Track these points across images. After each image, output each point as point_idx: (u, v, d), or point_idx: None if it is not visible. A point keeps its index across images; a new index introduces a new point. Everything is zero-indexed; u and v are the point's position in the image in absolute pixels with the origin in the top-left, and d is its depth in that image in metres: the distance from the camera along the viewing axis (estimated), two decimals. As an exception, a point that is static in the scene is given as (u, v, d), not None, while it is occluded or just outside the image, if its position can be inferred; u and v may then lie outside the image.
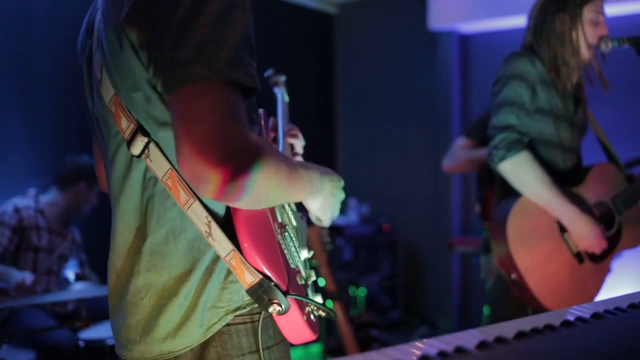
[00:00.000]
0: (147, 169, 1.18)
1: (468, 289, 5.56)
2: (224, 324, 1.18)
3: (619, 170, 2.47)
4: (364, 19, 6.09)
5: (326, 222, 1.40)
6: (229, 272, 1.19)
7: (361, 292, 4.98)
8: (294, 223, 1.37)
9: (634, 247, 2.41)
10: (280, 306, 1.13)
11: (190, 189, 1.12)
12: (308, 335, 1.20)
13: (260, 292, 1.12)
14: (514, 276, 2.13)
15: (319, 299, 1.26)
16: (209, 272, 1.18)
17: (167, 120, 1.13)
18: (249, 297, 1.18)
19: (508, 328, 0.90)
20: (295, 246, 1.30)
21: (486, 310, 3.91)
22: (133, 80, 1.12)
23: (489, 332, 0.87)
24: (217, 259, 1.18)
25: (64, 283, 3.31)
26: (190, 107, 1.00)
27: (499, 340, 0.83)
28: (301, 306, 1.19)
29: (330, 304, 2.93)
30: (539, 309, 2.13)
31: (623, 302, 1.04)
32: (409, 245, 5.73)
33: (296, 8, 5.88)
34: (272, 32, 5.59)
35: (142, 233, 1.20)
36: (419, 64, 5.75)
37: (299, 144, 1.70)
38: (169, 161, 1.14)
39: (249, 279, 1.12)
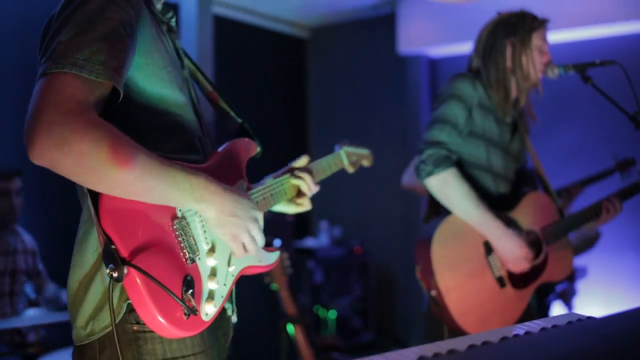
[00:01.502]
0: None
1: (439, 310, 5.58)
2: (124, 312, 1.28)
3: (552, 201, 2.48)
4: (336, 43, 6.17)
5: (236, 252, 1.40)
6: None
7: (332, 314, 4.99)
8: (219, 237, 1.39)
9: (559, 279, 2.42)
10: (115, 271, 1.17)
11: None
12: (161, 325, 1.22)
13: (105, 256, 1.19)
14: (433, 293, 2.13)
15: (210, 307, 1.31)
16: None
17: None
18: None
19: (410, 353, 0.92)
20: (198, 246, 1.34)
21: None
22: None
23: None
24: None
25: (25, 302, 3.15)
26: (37, 95, 1.15)
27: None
28: (151, 289, 1.22)
29: (291, 327, 2.94)
30: (455, 329, 2.13)
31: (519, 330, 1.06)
32: (381, 267, 5.75)
33: (269, 33, 5.95)
34: (246, 56, 5.65)
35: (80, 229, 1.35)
36: (389, 87, 5.83)
37: (304, 185, 1.72)
38: None
39: (100, 241, 1.22)
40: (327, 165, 1.92)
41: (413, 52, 5.51)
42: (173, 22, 1.53)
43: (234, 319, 1.55)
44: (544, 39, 2.34)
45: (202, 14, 4.11)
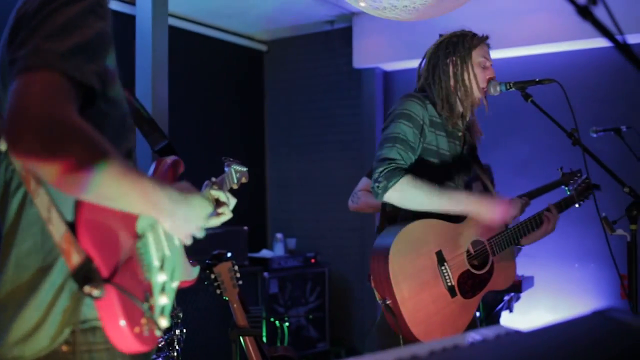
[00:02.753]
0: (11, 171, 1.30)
1: (394, 320, 5.65)
2: (67, 335, 1.25)
3: None
4: (292, 55, 6.23)
5: (186, 241, 1.47)
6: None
7: (286, 324, 5.01)
8: (166, 252, 1.42)
9: (503, 288, 2.49)
10: (96, 289, 1.16)
11: (37, 179, 1.22)
12: (130, 340, 1.23)
13: (82, 274, 1.17)
14: (389, 302, 2.15)
15: (163, 322, 1.32)
16: (62, 285, 1.25)
17: None
18: (91, 314, 1.25)
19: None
20: (152, 263, 1.36)
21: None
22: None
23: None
24: (68, 276, 1.24)
25: None
26: (23, 90, 1.13)
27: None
28: (130, 310, 1.23)
29: (241, 339, 2.96)
30: (409, 338, 2.16)
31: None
32: (336, 277, 5.80)
33: (226, 44, 5.97)
34: (202, 67, 5.66)
35: (9, 246, 1.29)
36: (344, 100, 5.90)
37: (222, 195, 1.71)
38: None
39: (75, 259, 1.18)
40: (227, 183, 1.97)
41: (368, 66, 5.60)
42: None
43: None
44: (486, 56, 2.43)
45: (158, 25, 4.10)
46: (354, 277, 5.82)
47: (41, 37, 1.18)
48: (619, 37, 1.06)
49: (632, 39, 4.06)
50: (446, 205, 2.24)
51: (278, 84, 6.36)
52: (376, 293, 2.23)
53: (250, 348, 2.98)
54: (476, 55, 2.41)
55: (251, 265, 5.13)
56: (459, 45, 2.40)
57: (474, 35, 2.44)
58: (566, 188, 3.25)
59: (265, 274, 5.14)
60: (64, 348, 1.26)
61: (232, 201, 1.68)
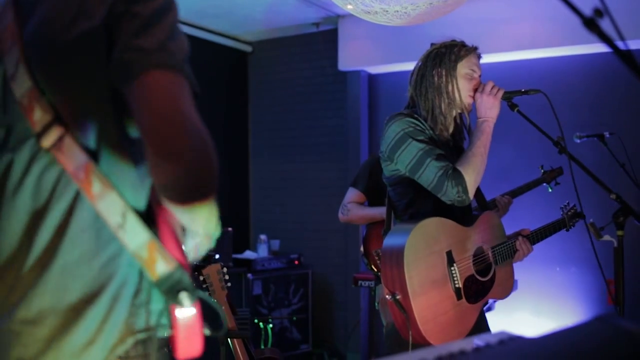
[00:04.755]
0: (75, 190, 1.16)
1: (376, 321, 5.67)
2: (125, 348, 1.19)
3: (500, 222, 2.59)
4: (277, 57, 6.23)
5: (190, 257, 1.39)
6: (135, 296, 1.21)
7: (270, 326, 5.01)
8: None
9: (502, 298, 2.52)
10: (190, 297, 1.12)
11: (108, 181, 1.13)
12: (198, 344, 1.18)
13: (171, 282, 1.12)
14: (399, 296, 2.16)
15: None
16: (117, 295, 1.19)
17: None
18: (151, 323, 1.20)
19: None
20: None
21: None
22: (78, 72, 1.16)
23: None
24: (125, 282, 1.19)
25: None
26: (170, 90, 1.08)
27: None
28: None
29: (229, 341, 2.96)
30: (416, 336, 2.16)
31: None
32: (319, 279, 5.81)
33: (210, 44, 5.95)
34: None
35: (50, 254, 1.16)
36: (329, 102, 5.92)
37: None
38: (86, 152, 1.14)
39: (162, 268, 1.12)
40: None
41: (353, 69, 5.62)
42: None
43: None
44: (473, 67, 2.45)
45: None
46: (337, 279, 5.83)
47: (165, 32, 1.12)
48: (622, 48, 1.08)
49: (634, 44, 4.14)
50: (487, 144, 2.41)
51: (262, 85, 6.35)
52: (384, 289, 2.22)
53: (239, 350, 2.97)
54: (462, 67, 2.43)
55: (235, 266, 5.12)
56: (445, 57, 2.43)
57: (463, 46, 2.46)
58: (547, 185, 3.30)
59: (249, 275, 5.14)
60: None
61: None
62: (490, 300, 4.05)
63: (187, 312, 1.14)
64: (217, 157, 1.11)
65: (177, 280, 1.12)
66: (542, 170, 3.26)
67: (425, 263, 2.22)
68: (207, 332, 1.21)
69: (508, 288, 2.53)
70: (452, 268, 2.29)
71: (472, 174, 2.31)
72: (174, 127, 1.05)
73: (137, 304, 1.21)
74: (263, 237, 5.71)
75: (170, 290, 1.12)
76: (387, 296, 2.19)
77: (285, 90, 6.18)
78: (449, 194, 2.28)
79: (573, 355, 1.04)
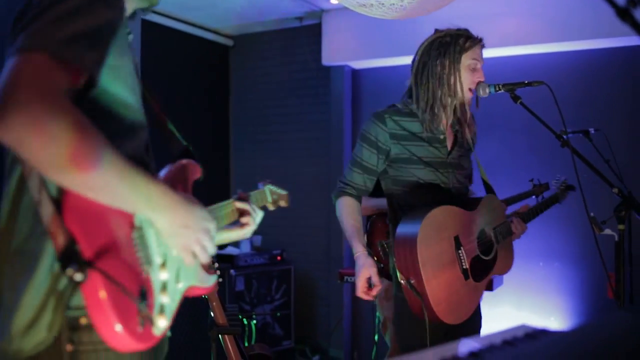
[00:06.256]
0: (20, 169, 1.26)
1: (359, 318, 5.67)
2: (60, 324, 1.20)
3: (501, 204, 2.70)
4: (259, 51, 6.17)
5: (186, 259, 1.40)
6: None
7: (253, 322, 4.97)
8: (173, 252, 1.37)
9: (504, 273, 2.66)
10: (77, 272, 1.12)
11: None
12: (118, 334, 1.17)
13: (65, 256, 1.13)
14: (413, 281, 2.23)
15: (162, 321, 1.27)
16: (57, 273, 1.20)
17: None
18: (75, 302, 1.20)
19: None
20: (152, 258, 1.30)
21: (377, 338, 4.01)
22: None
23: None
24: None
25: None
26: (14, 68, 1.09)
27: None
28: (113, 295, 1.17)
29: (220, 338, 2.92)
30: (430, 316, 2.25)
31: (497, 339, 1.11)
32: (302, 275, 5.78)
33: (192, 38, 5.87)
34: (167, 60, 5.55)
35: (8, 229, 1.25)
36: (312, 97, 5.88)
37: (247, 206, 1.76)
38: None
39: (60, 241, 1.14)
40: (255, 199, 2.00)
41: (337, 64, 5.59)
42: (131, 37, 1.51)
43: (169, 333, 1.54)
44: (477, 59, 2.44)
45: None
46: (320, 275, 5.81)
47: (44, 22, 1.14)
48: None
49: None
50: (349, 242, 2.49)
51: (244, 80, 6.29)
52: (399, 274, 2.29)
53: (230, 347, 2.94)
54: (466, 58, 2.43)
55: (217, 262, 5.06)
56: (450, 47, 2.42)
57: (468, 37, 2.45)
58: (535, 198, 3.38)
59: (232, 271, 5.10)
60: (68, 348, 1.21)
61: (259, 213, 1.75)
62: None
63: (88, 290, 1.15)
64: (79, 127, 1.11)
65: (69, 254, 1.13)
66: (532, 184, 3.35)
67: (435, 250, 2.30)
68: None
69: (508, 263, 2.68)
70: (460, 251, 2.38)
71: (338, 216, 2.54)
72: (2, 102, 1.06)
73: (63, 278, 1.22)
74: (245, 232, 5.65)
75: (63, 264, 1.13)
76: (401, 281, 2.27)
77: (267, 85, 6.13)
78: (332, 195, 2.61)
79: (606, 348, 1.03)
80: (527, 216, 2.85)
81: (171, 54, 5.62)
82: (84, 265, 1.13)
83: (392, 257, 2.45)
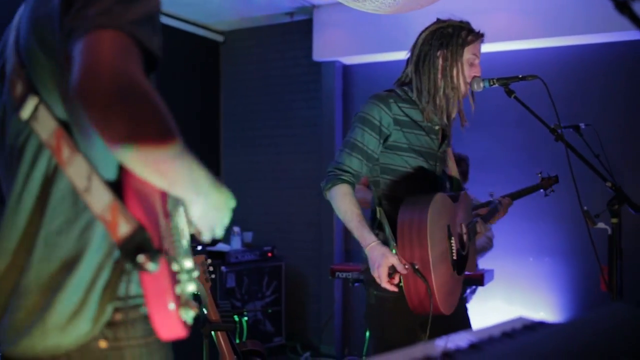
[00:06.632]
0: (48, 158, 1.19)
1: (350, 314, 5.68)
2: (107, 318, 1.17)
3: (471, 202, 2.70)
4: (250, 47, 6.16)
5: (205, 236, 1.36)
6: (117, 263, 1.18)
7: (244, 318, 4.96)
8: (185, 240, 1.32)
9: (472, 272, 2.64)
10: (150, 261, 1.06)
11: (75, 145, 1.13)
12: (175, 322, 1.13)
13: (133, 245, 1.07)
14: (417, 266, 2.18)
15: (193, 310, 1.20)
16: (102, 263, 1.17)
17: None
18: (134, 290, 1.18)
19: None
20: (181, 246, 1.25)
21: (368, 334, 4.01)
22: (43, 42, 1.19)
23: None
24: (110, 250, 1.17)
25: None
26: (95, 46, 1.05)
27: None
28: (173, 286, 1.13)
29: (214, 334, 2.91)
30: (428, 306, 2.20)
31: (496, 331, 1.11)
32: (293, 272, 5.78)
33: (182, 33, 5.85)
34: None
35: (35, 224, 1.19)
36: (303, 93, 5.87)
37: None
38: (57, 120, 1.16)
39: (124, 229, 1.08)
40: None
41: (328, 59, 5.58)
42: None
43: None
44: (476, 53, 2.42)
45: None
46: (310, 271, 5.81)
47: (111, 1, 1.09)
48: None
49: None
50: (351, 229, 2.34)
51: (234, 75, 6.27)
52: (401, 259, 2.22)
53: (223, 343, 2.93)
54: (467, 52, 2.39)
55: (209, 258, 5.04)
56: (453, 39, 2.38)
57: (470, 30, 2.42)
58: (544, 191, 3.37)
59: (223, 268, 5.08)
60: (102, 344, 1.17)
61: None
62: (469, 290, 4.12)
63: (152, 279, 1.10)
64: (167, 114, 1.08)
65: (139, 242, 1.07)
66: (540, 177, 3.34)
67: (437, 236, 2.27)
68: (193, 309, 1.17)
69: (475, 263, 2.70)
70: (451, 241, 2.36)
71: (333, 202, 2.35)
72: (95, 76, 1.02)
73: (119, 273, 1.19)
74: (236, 229, 5.64)
75: (131, 253, 1.07)
76: (405, 266, 2.20)
77: (258, 80, 6.11)
78: (322, 185, 2.39)
79: (609, 339, 1.04)
80: (513, 197, 2.90)
81: (162, 50, 5.59)
82: (155, 253, 1.07)
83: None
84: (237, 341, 4.69)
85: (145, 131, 1.05)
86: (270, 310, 5.39)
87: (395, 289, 2.24)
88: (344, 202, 2.32)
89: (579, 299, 4.71)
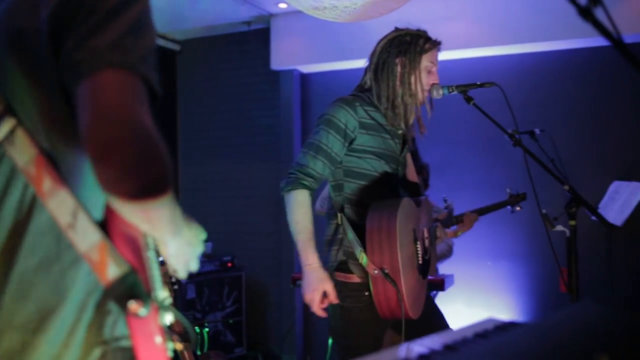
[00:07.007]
0: (23, 186, 1.10)
1: (311, 322, 5.67)
2: (96, 358, 1.11)
3: (432, 207, 2.76)
4: (208, 56, 6.12)
5: (181, 273, 1.34)
6: (100, 303, 1.13)
7: (205, 330, 4.91)
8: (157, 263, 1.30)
9: (433, 276, 2.73)
10: (143, 306, 1.03)
11: (59, 177, 1.06)
12: (163, 355, 1.10)
13: (123, 288, 1.03)
14: (387, 270, 2.19)
15: (172, 342, 1.17)
16: (84, 304, 1.11)
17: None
18: (120, 331, 1.12)
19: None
20: (157, 277, 1.21)
21: (331, 342, 4.01)
22: (28, 64, 1.10)
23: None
24: (92, 290, 1.11)
25: None
26: (109, 88, 0.99)
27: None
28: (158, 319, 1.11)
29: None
30: (398, 310, 2.20)
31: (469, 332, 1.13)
32: (253, 281, 5.74)
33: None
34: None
35: (7, 261, 1.09)
36: (261, 102, 5.86)
37: None
38: (39, 148, 1.07)
39: (113, 271, 1.03)
40: None
41: (286, 68, 5.59)
42: None
43: None
44: (433, 61, 2.47)
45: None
46: (271, 280, 5.78)
47: (122, 29, 1.04)
48: (617, 38, 1.09)
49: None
50: (296, 240, 2.33)
51: (192, 85, 6.22)
52: (368, 264, 2.23)
53: (186, 355, 2.89)
54: (425, 60, 2.44)
55: (168, 270, 4.98)
56: (411, 47, 2.42)
57: (428, 39, 2.47)
58: (511, 208, 3.43)
59: (183, 279, 5.02)
60: None
61: None
62: (432, 294, 4.16)
63: (144, 322, 1.06)
64: (168, 161, 1.04)
65: (129, 286, 1.03)
66: (509, 193, 3.40)
67: (405, 240, 2.28)
68: (175, 344, 1.15)
69: (435, 267, 2.76)
70: (417, 245, 2.38)
71: (287, 206, 2.34)
72: (111, 126, 0.97)
73: (103, 313, 1.13)
74: (195, 239, 5.58)
75: (122, 297, 1.03)
76: (374, 272, 2.20)
77: (216, 90, 6.08)
78: (281, 185, 2.38)
79: (579, 335, 1.06)
80: (480, 212, 2.98)
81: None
82: (147, 297, 1.03)
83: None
84: (199, 353, 4.64)
85: (147, 180, 1.00)
86: (231, 321, 5.34)
87: (324, 314, 2.26)
88: (299, 212, 2.31)
89: (539, 301, 4.80)
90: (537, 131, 4.01)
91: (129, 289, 1.03)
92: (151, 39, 1.10)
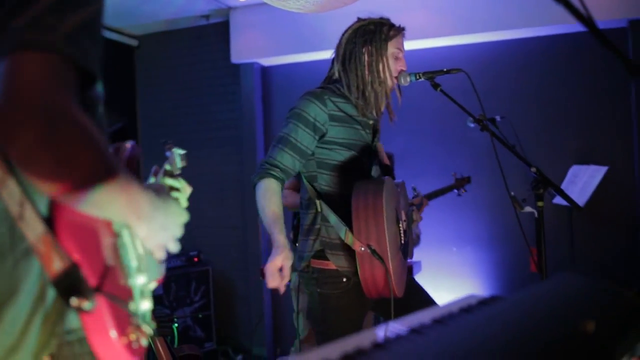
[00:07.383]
0: None
1: (280, 314, 5.68)
2: (50, 351, 1.09)
3: (406, 191, 2.80)
4: (166, 51, 6.06)
5: (158, 254, 1.32)
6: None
7: (174, 325, 4.88)
8: (140, 249, 1.26)
9: (411, 258, 2.74)
10: (85, 301, 1.01)
11: (7, 166, 1.01)
12: (120, 353, 1.09)
13: (67, 283, 1.01)
14: (373, 246, 2.21)
15: (147, 329, 1.18)
16: (41, 294, 1.08)
17: None
18: (78, 324, 1.10)
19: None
20: (130, 264, 1.21)
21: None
22: None
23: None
24: (47, 282, 1.08)
25: None
26: (20, 72, 0.94)
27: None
28: (118, 319, 1.10)
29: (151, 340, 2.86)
30: (386, 289, 2.23)
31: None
32: (220, 275, 5.73)
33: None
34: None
35: None
36: (222, 95, 5.83)
37: (178, 184, 1.58)
38: None
39: (57, 265, 1.01)
40: (172, 170, 1.84)
41: (246, 61, 5.57)
42: None
43: None
44: (400, 47, 2.50)
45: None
46: (238, 274, 5.78)
47: (44, 6, 0.98)
48: (590, 21, 1.13)
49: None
50: (266, 226, 2.32)
51: (151, 80, 6.15)
52: (355, 242, 2.24)
53: (160, 348, 2.89)
54: (391, 47, 2.47)
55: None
56: (376, 35, 2.45)
57: (392, 25, 2.50)
58: (457, 191, 3.50)
59: (150, 275, 4.98)
60: None
61: (188, 188, 1.56)
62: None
63: (94, 316, 1.06)
64: (101, 146, 1.01)
65: (72, 282, 1.02)
66: (455, 177, 3.46)
67: (390, 217, 2.30)
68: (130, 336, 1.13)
69: (412, 250, 2.77)
70: (400, 225, 2.42)
71: (257, 196, 2.34)
72: (16, 110, 0.92)
73: (59, 304, 1.10)
74: (160, 235, 5.54)
75: (65, 292, 1.02)
76: (361, 248, 2.22)
77: (175, 84, 6.02)
78: (251, 177, 2.39)
79: (560, 305, 1.10)
80: (429, 197, 3.08)
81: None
82: (91, 292, 1.02)
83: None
84: (174, 346, 4.62)
85: (75, 168, 0.98)
86: (200, 316, 5.33)
87: (276, 286, 2.22)
88: (265, 198, 2.32)
89: (507, 283, 4.90)
90: (497, 118, 4.08)
91: (72, 284, 1.01)
92: (87, 11, 1.04)
